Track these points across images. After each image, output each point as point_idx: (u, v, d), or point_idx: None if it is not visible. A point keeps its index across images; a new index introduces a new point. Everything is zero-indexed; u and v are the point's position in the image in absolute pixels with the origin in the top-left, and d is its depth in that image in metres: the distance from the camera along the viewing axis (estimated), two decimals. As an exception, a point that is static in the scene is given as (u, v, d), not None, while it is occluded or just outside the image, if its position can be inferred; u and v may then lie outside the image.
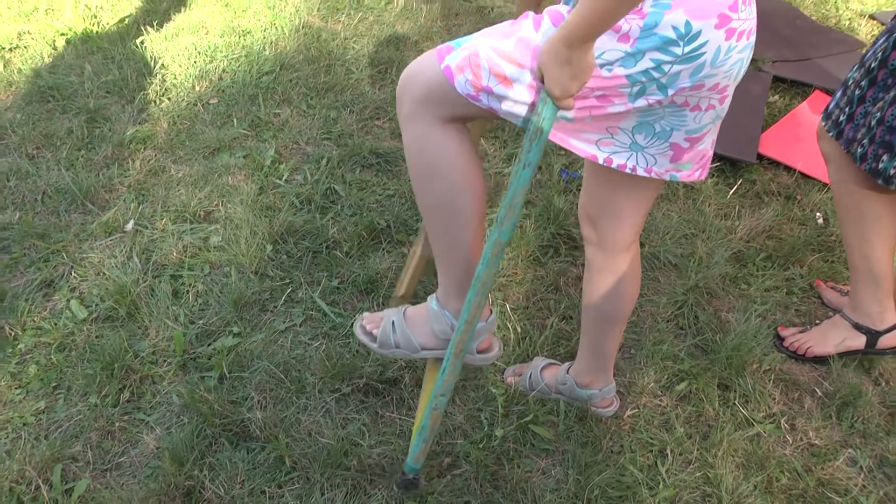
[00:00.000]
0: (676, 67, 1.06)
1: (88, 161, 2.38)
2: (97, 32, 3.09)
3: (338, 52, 3.02)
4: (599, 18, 0.96)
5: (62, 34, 3.05)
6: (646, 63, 1.06)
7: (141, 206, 2.20)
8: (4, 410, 1.63)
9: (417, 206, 1.39)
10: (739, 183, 2.40)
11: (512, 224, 1.15)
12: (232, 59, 2.94)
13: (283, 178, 2.33)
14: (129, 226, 2.13)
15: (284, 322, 1.86)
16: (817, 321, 1.90)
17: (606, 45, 1.06)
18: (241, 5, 3.37)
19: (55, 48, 2.98)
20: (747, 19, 1.09)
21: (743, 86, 2.80)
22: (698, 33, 1.04)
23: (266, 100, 2.70)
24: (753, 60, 3.03)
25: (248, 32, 3.14)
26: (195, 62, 2.89)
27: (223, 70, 2.87)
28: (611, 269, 1.45)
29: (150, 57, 2.90)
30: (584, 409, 1.65)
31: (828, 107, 1.69)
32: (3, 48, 2.96)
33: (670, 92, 1.09)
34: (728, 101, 1.19)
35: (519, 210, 1.14)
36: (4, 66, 2.83)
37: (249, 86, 2.77)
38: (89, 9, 3.22)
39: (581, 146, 1.20)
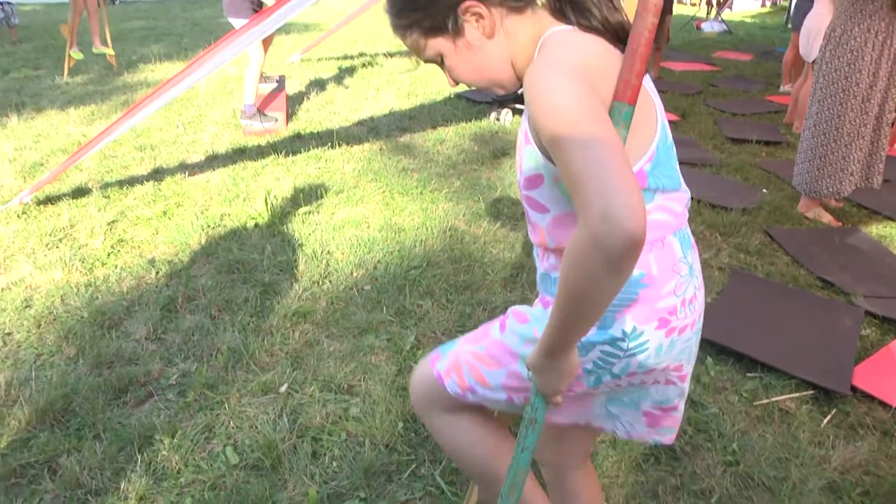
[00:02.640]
0: (624, 360, 1.15)
1: (257, 327, 2.76)
2: (280, 219, 3.66)
3: (477, 255, 3.35)
4: (571, 331, 0.99)
5: (253, 218, 3.65)
6: (596, 354, 1.15)
7: (295, 372, 2.48)
8: (162, 536, 1.86)
9: None
10: (833, 413, 2.35)
11: (515, 499, 1.22)
12: (387, 251, 3.35)
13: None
14: (283, 388, 2.41)
15: (406, 494, 1.99)
16: None
17: None
18: (399, 205, 3.88)
19: (246, 229, 3.56)
20: (689, 315, 1.16)
21: (835, 318, 2.82)
22: (641, 333, 1.13)
23: (412, 291, 3.02)
24: (846, 294, 3.08)
25: (403, 230, 3.59)
26: (356, 251, 3.33)
27: (378, 261, 3.27)
28: (563, 487, 1.49)
29: (319, 244, 3.39)
30: None
31: None
32: (210, 226, 3.58)
33: (623, 377, 1.18)
34: (688, 378, 1.26)
35: (520, 488, 1.24)
36: (207, 240, 3.40)
37: (399, 277, 3.12)
38: (277, 199, 3.85)
39: (563, 420, 1.32)
